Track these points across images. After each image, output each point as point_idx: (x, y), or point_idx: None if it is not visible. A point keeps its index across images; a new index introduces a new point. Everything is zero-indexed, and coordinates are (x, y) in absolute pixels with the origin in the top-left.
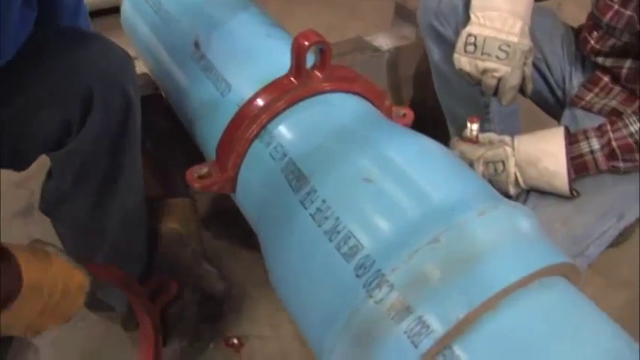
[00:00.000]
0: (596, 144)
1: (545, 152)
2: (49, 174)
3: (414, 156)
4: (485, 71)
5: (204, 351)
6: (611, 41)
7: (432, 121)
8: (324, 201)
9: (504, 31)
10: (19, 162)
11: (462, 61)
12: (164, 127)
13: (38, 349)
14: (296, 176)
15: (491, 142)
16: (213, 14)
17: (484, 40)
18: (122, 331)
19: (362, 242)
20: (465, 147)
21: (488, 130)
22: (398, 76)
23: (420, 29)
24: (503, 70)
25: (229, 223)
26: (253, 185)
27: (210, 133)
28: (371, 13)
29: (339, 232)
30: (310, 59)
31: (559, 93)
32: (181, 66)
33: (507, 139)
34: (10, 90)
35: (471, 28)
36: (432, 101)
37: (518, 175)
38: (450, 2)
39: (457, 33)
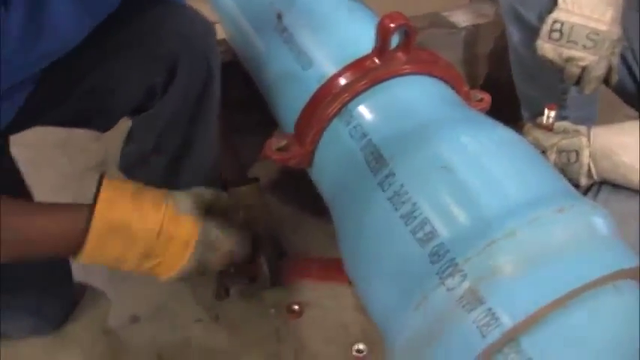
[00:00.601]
0: None
1: (622, 145)
2: (129, 136)
3: (494, 146)
4: (569, 59)
5: (265, 316)
6: None
7: (506, 101)
8: (402, 185)
9: (594, 19)
10: (103, 124)
11: (546, 48)
12: (239, 95)
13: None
14: (375, 157)
15: (566, 131)
16: None
17: (572, 27)
18: (189, 289)
19: (437, 230)
20: (540, 134)
21: (564, 117)
22: (474, 54)
23: (501, 10)
24: (590, 59)
25: (297, 187)
26: (330, 163)
27: (289, 106)
28: None
29: (415, 218)
30: (393, 40)
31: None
32: (263, 36)
33: (583, 129)
34: (97, 55)
35: (558, 14)
36: (506, 81)
37: (591, 165)
38: None
39: (540, 18)
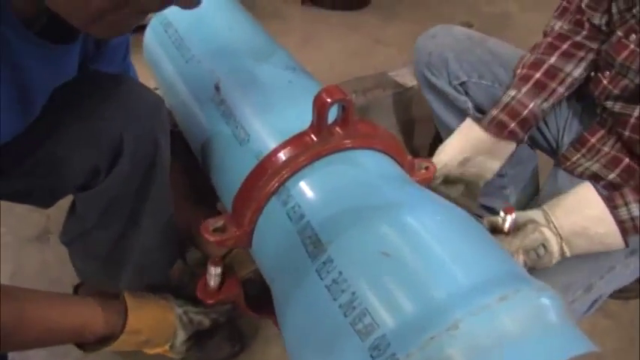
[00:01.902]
0: (635, 210)
1: (590, 218)
2: (72, 210)
3: (437, 227)
4: None
5: None
6: (624, 82)
7: None
8: (340, 273)
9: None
10: (45, 201)
11: None
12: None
13: None
14: (313, 242)
15: (520, 227)
16: (234, 56)
17: None
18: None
19: (377, 322)
20: (497, 241)
21: (500, 175)
22: (421, 113)
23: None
24: None
25: None
26: (269, 244)
27: (227, 182)
28: (396, 39)
29: (354, 308)
30: (333, 112)
31: (554, 145)
32: (201, 108)
33: (537, 216)
34: (42, 134)
35: None
36: None
37: (565, 249)
38: (440, 55)
39: (449, 83)
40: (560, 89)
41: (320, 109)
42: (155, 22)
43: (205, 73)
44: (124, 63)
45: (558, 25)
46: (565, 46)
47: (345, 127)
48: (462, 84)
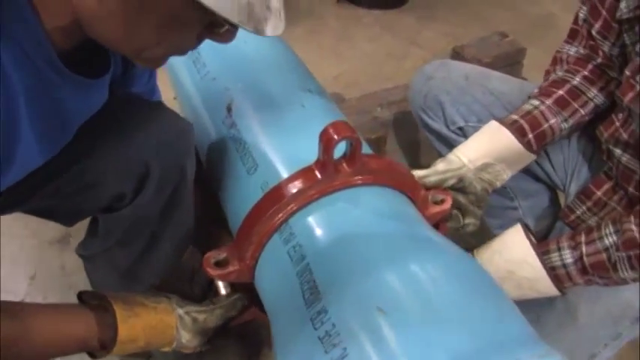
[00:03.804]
0: (568, 257)
1: (516, 262)
2: (93, 229)
3: (442, 280)
4: None
5: None
6: (632, 127)
7: None
8: (334, 325)
9: None
10: (68, 220)
11: None
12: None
13: None
14: (310, 287)
15: None
16: (249, 73)
17: None
18: None
19: None
20: None
21: (514, 208)
22: None
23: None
24: None
25: None
26: (269, 281)
27: (233, 209)
28: (432, 42)
29: None
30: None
31: (561, 189)
32: (213, 130)
33: None
34: (70, 157)
35: None
36: None
37: None
38: (435, 98)
39: (447, 127)
40: (582, 111)
41: (326, 145)
42: None
43: (219, 91)
44: (148, 84)
45: (573, 51)
46: (586, 72)
47: (352, 164)
48: (460, 128)
